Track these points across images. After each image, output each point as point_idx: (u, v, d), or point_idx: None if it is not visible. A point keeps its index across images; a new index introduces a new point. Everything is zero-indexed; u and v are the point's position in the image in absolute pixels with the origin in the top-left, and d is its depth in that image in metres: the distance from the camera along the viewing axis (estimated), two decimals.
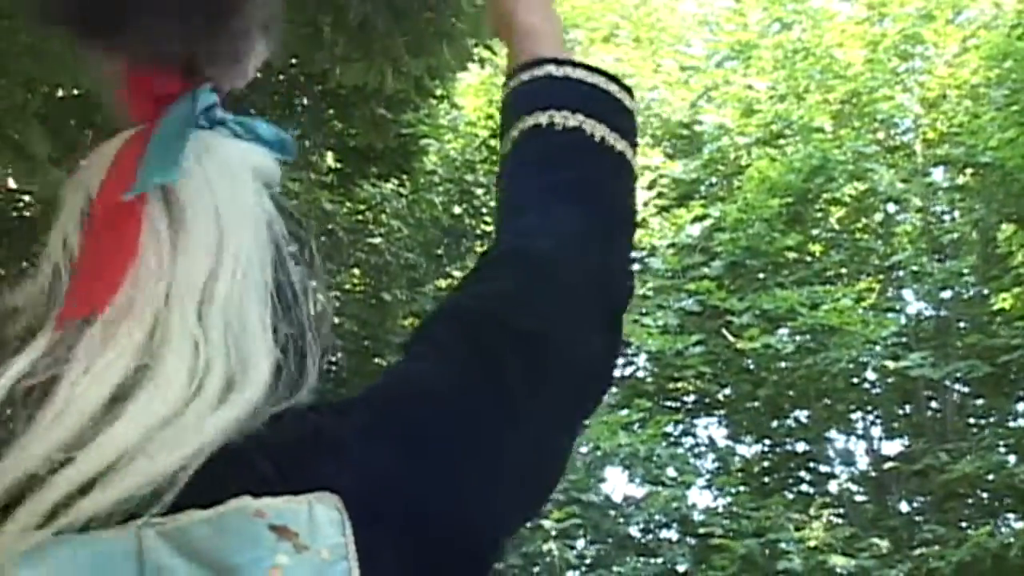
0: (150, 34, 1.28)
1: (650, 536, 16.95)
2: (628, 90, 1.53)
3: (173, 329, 1.15)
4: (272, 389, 1.19)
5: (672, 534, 16.87)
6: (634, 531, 16.84)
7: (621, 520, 16.42)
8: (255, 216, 1.29)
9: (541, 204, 1.41)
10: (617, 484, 25.74)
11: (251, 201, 1.29)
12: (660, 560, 16.17)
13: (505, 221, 1.43)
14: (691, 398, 18.47)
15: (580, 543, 16.16)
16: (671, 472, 16.73)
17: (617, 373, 13.95)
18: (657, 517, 16.55)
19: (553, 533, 14.83)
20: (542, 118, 1.46)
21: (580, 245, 1.38)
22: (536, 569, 14.54)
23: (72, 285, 1.21)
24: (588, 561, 16.52)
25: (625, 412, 16.21)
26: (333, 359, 12.42)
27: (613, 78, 1.52)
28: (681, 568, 16.07)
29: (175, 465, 1.06)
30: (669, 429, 17.15)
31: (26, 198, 10.46)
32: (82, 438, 1.07)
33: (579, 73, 1.50)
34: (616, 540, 16.40)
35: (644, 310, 17.17)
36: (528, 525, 14.90)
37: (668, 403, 18.03)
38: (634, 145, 1.50)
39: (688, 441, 18.41)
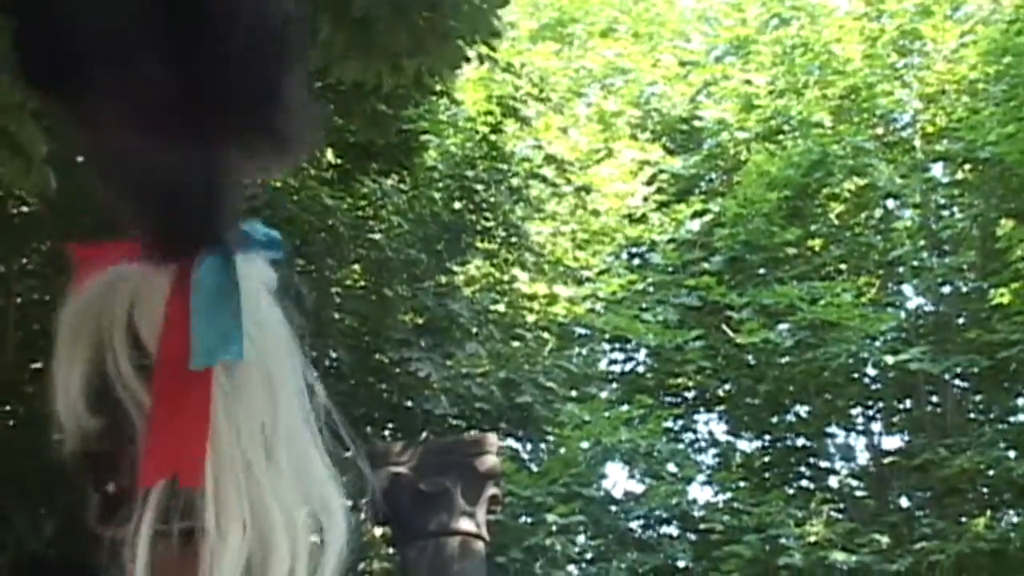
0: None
1: (650, 531, 16.98)
2: None
3: (260, 488, 1.28)
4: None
5: (672, 529, 16.90)
6: (634, 526, 16.87)
7: (622, 515, 16.44)
8: (284, 341, 1.38)
9: None
10: (618, 480, 25.80)
11: (277, 326, 1.39)
12: (660, 555, 16.20)
13: None
14: (691, 393, 18.49)
15: (581, 538, 16.18)
16: (671, 468, 16.75)
17: (617, 369, 13.94)
18: (657, 512, 16.58)
19: (554, 528, 14.84)
20: None
21: None
22: (537, 564, 14.55)
23: (154, 440, 1.29)
24: (589, 556, 16.54)
25: (625, 408, 16.22)
26: (334, 355, 12.43)
27: None
28: (681, 564, 16.09)
29: None
30: (669, 424, 17.17)
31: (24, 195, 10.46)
32: None
33: None
34: (616, 535, 16.42)
35: (644, 306, 17.20)
36: (530, 520, 14.94)
37: (668, 399, 18.05)
38: None
39: (688, 436, 18.44)
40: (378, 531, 15.12)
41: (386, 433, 13.01)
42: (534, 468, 15.95)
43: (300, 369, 1.37)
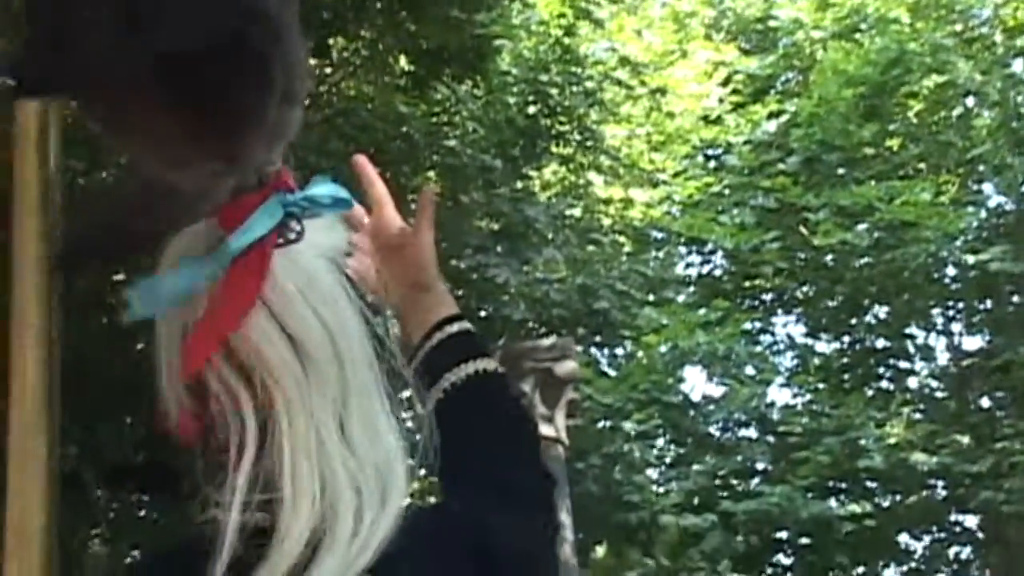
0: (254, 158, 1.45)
1: (729, 434, 16.98)
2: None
3: (331, 463, 1.37)
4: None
5: (751, 432, 16.90)
6: (713, 430, 16.88)
7: (700, 419, 16.46)
8: (350, 313, 1.45)
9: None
10: (696, 383, 25.85)
11: (342, 299, 1.45)
12: (739, 458, 16.21)
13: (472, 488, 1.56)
14: (769, 296, 18.40)
15: (659, 442, 16.23)
16: (749, 370, 16.72)
17: (694, 272, 13.86)
18: (736, 415, 16.57)
19: (633, 434, 14.89)
20: (470, 368, 1.65)
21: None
22: (616, 469, 14.62)
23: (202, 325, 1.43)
24: (668, 460, 16.60)
25: (703, 311, 16.18)
26: None
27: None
28: (760, 466, 16.11)
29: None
30: (747, 327, 17.10)
31: None
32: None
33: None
34: (695, 439, 16.46)
35: (720, 208, 17.10)
36: (608, 425, 14.99)
37: (746, 301, 17.97)
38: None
39: (766, 339, 18.37)
40: None
41: None
42: (612, 374, 15.99)
43: (367, 339, 1.44)
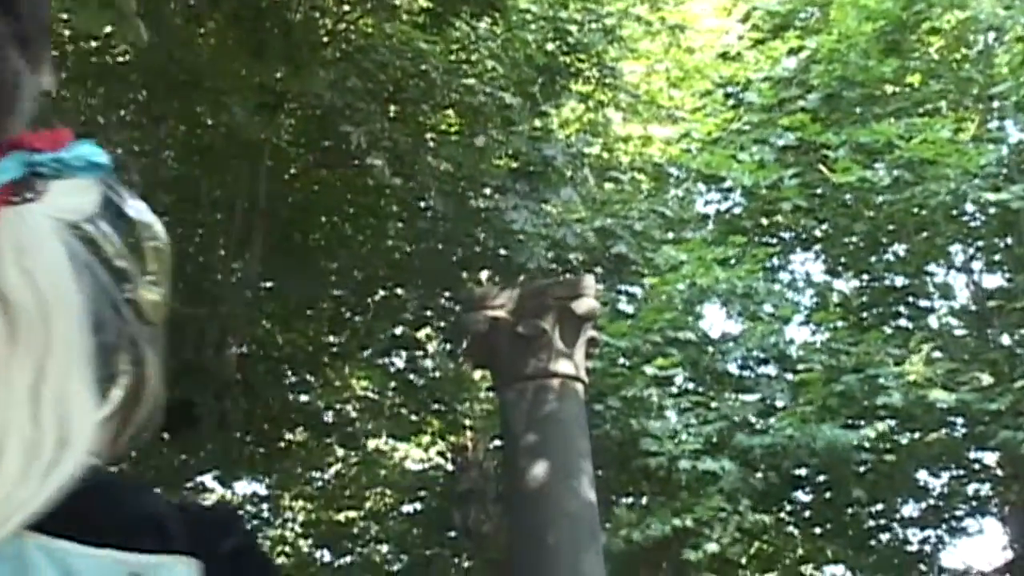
0: None
1: (748, 372, 16.99)
2: None
3: (14, 418, 1.26)
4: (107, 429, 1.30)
5: (770, 370, 16.90)
6: (732, 367, 16.89)
7: (719, 356, 16.46)
8: (71, 281, 1.33)
9: None
10: (714, 321, 25.83)
11: (65, 266, 1.33)
12: (758, 396, 16.23)
13: None
14: (788, 234, 18.35)
15: (678, 380, 16.24)
16: (768, 308, 16.70)
17: (712, 209, 13.79)
18: (755, 353, 16.57)
19: (652, 377, 14.90)
20: None
21: None
22: (635, 413, 14.66)
23: None
24: (686, 400, 16.62)
25: (721, 249, 16.15)
26: (429, 201, 12.45)
27: None
28: (780, 403, 16.12)
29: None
30: (766, 265, 17.06)
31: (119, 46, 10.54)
32: None
33: None
34: (714, 376, 16.47)
35: (740, 145, 17.02)
36: (627, 366, 15.01)
37: (764, 239, 17.93)
38: None
39: (785, 277, 18.35)
40: (477, 374, 15.32)
41: (483, 278, 13.09)
42: (630, 313, 15.99)
43: (90, 312, 1.40)
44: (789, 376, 16.37)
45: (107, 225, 1.39)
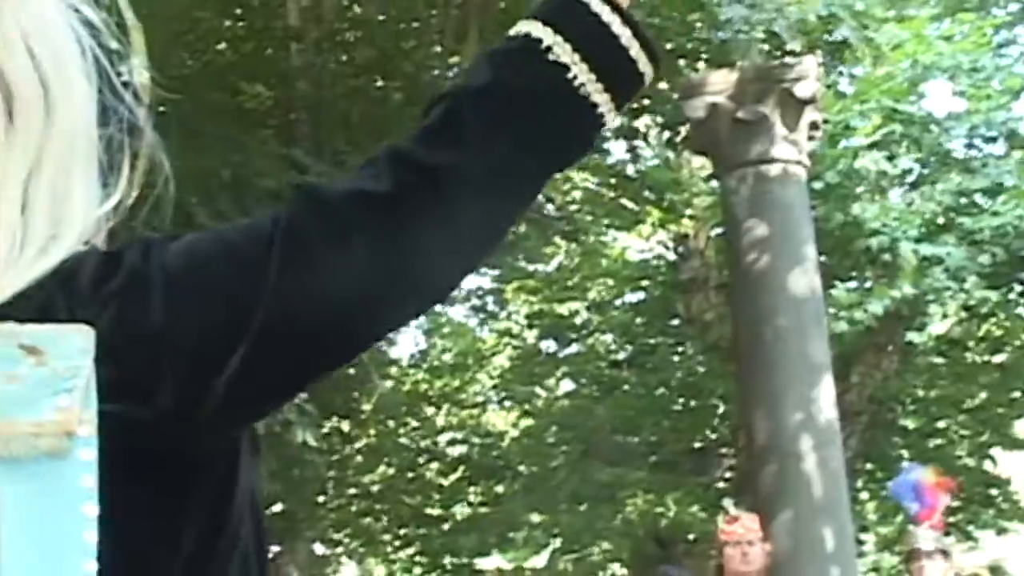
0: None
1: (974, 151, 16.54)
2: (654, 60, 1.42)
3: (4, 211, 1.25)
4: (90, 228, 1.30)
5: (998, 148, 16.42)
6: (957, 145, 16.46)
7: (943, 134, 16.05)
8: (75, 65, 1.32)
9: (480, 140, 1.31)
10: (939, 98, 25.13)
11: (69, 48, 1.32)
12: (985, 176, 15.82)
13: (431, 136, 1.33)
14: (1016, 4, 17.62)
15: (902, 160, 15.90)
16: (996, 84, 16.16)
17: None
18: (981, 131, 16.10)
19: (873, 153, 14.63)
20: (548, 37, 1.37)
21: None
22: (857, 188, 14.45)
23: None
24: (910, 178, 16.30)
25: (947, 24, 15.63)
26: None
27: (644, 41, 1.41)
28: (1008, 183, 15.69)
29: None
30: (993, 38, 16.45)
31: None
32: None
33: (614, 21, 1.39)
34: (939, 156, 16.08)
35: None
36: (847, 144, 14.74)
37: (991, 12, 17.27)
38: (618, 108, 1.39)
39: (1013, 51, 17.69)
40: (697, 162, 15.25)
41: (700, 64, 12.94)
42: (850, 91, 15.67)
43: (93, 98, 1.32)
44: (1017, 154, 15.89)
45: (95, 5, 1.36)
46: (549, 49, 1.34)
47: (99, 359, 1.18)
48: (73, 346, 1.19)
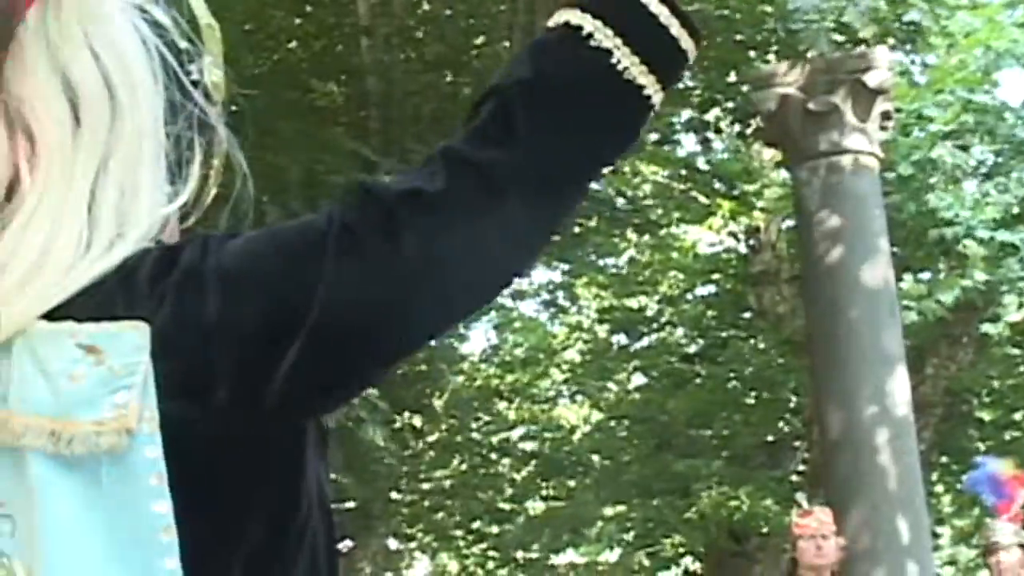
0: None
1: None
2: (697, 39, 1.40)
3: (72, 210, 1.27)
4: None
5: None
6: None
7: (1019, 123, 15.85)
8: (141, 65, 1.33)
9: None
10: (1013, 88, 24.79)
11: (134, 47, 1.34)
12: None
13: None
14: None
15: (975, 150, 15.72)
16: None
17: None
18: None
19: (946, 142, 14.48)
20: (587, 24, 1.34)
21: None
22: (931, 178, 14.31)
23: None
24: (984, 170, 16.11)
25: (1021, 10, 15.43)
26: None
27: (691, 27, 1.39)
28: None
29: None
30: None
31: None
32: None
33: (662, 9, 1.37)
34: (1013, 146, 15.89)
35: None
36: (920, 133, 14.60)
37: None
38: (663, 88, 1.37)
39: None
40: (767, 154, 15.17)
41: (770, 56, 12.87)
42: (923, 81, 15.52)
43: (159, 95, 1.34)
44: None
45: (164, 5, 1.38)
46: (590, 36, 1.33)
47: (156, 355, 1.20)
48: (129, 343, 1.20)
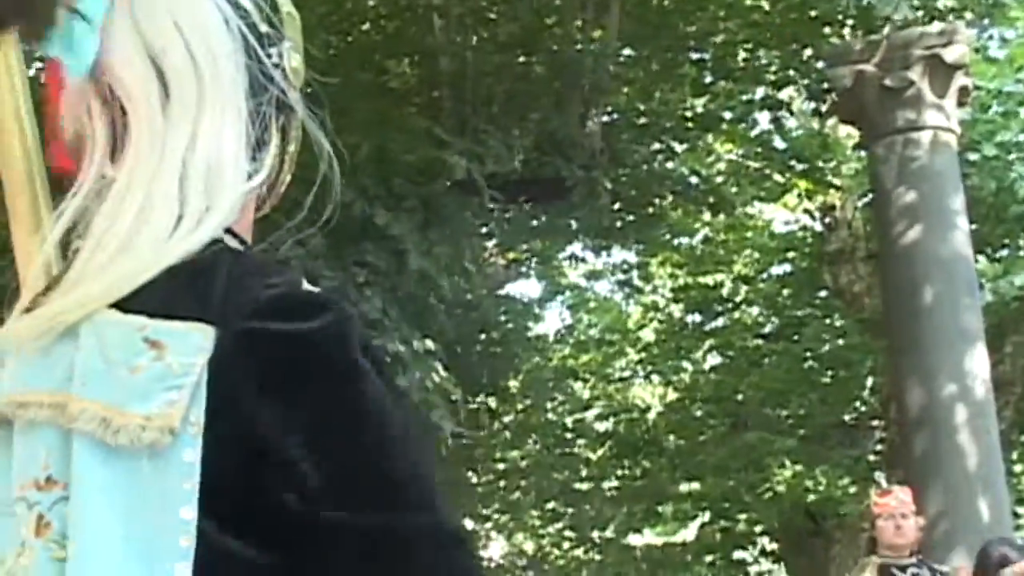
0: None
1: None
2: None
3: (164, 183, 1.31)
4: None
5: None
6: None
7: None
8: (224, 42, 1.37)
9: None
10: None
11: (217, 25, 1.38)
12: None
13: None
14: None
15: None
16: None
17: None
18: None
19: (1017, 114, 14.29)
20: None
21: None
22: (1013, 159, 14.10)
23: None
24: None
25: None
26: None
27: None
28: None
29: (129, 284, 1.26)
30: None
31: None
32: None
33: None
34: None
35: None
36: (1001, 112, 14.40)
37: None
38: None
39: None
40: (843, 131, 15.04)
41: (846, 32, 12.75)
42: (1001, 56, 15.31)
43: (242, 72, 1.38)
44: None
45: None
46: None
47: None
48: (193, 344, 1.22)
